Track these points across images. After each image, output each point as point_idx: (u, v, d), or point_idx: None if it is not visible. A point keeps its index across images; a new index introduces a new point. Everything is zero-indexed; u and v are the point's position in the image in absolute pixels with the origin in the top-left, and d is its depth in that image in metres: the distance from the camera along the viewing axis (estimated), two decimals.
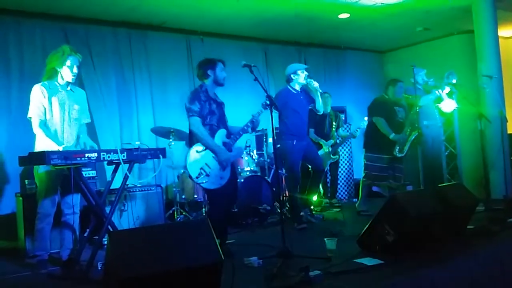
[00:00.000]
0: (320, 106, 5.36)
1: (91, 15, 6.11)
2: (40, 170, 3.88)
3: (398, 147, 5.63)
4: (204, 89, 4.20)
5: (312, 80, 5.22)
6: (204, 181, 3.99)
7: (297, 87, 5.30)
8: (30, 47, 5.69)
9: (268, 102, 4.08)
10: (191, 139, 4.16)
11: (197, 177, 3.97)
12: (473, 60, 6.74)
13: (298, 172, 5.27)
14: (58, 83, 3.95)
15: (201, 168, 3.99)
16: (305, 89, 5.37)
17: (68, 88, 4.01)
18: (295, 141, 5.18)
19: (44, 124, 3.85)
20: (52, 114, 3.89)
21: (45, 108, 3.86)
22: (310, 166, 5.42)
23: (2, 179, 5.34)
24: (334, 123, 6.59)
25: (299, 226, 5.06)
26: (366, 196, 5.91)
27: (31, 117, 3.86)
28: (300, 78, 5.23)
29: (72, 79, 3.95)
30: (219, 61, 4.24)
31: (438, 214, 3.73)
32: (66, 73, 3.92)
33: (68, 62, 3.88)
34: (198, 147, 4.05)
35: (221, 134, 4.16)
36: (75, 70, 3.93)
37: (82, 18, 6.09)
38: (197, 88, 4.24)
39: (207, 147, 4.05)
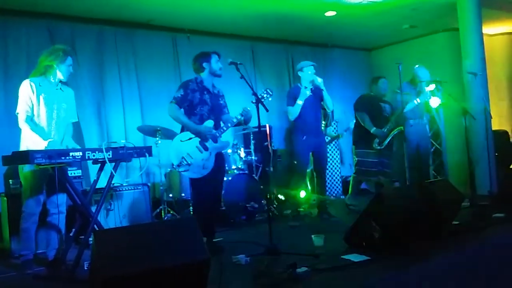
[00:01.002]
0: (328, 102, 5.45)
1: (77, 14, 6.05)
2: (25, 169, 3.83)
3: (377, 140, 5.71)
4: (199, 80, 4.27)
5: (317, 77, 5.33)
6: (185, 170, 4.07)
7: (307, 84, 5.41)
8: (15, 46, 5.62)
9: (264, 96, 4.23)
10: (182, 129, 4.26)
11: (178, 165, 4.08)
12: (458, 57, 6.79)
13: (305, 167, 5.47)
14: (50, 80, 3.92)
15: (183, 157, 4.07)
16: (317, 86, 5.47)
17: (58, 87, 3.98)
18: (304, 136, 5.33)
19: (30, 120, 3.79)
20: (40, 111, 3.84)
21: (33, 104, 3.81)
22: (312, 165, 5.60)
23: None
24: (323, 122, 6.60)
25: (291, 223, 5.11)
26: (355, 192, 5.96)
27: (18, 113, 3.80)
28: (307, 75, 5.37)
29: (65, 78, 3.96)
30: (213, 53, 4.29)
31: (424, 210, 3.76)
32: (64, 72, 3.92)
33: (68, 61, 3.93)
34: (182, 136, 4.14)
35: (208, 125, 4.20)
36: (71, 69, 3.97)
37: (67, 16, 6.03)
38: (191, 78, 4.31)
39: (188, 129, 4.13)
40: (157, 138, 5.53)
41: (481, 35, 6.60)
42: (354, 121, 6.07)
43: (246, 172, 6.07)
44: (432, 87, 5.89)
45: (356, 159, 5.90)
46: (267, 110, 4.12)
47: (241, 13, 6.61)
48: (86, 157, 3.54)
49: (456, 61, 6.97)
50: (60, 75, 3.92)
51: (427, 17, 7.32)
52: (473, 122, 6.22)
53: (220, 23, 7.03)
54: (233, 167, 5.95)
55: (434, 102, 5.98)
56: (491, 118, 6.42)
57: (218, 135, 4.21)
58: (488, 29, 8.30)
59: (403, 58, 6.03)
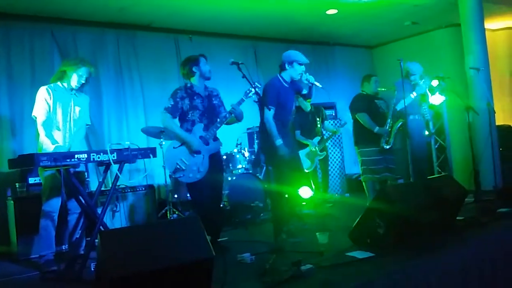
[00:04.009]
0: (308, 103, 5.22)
1: (79, 17, 6.08)
2: (45, 172, 3.93)
3: (384, 140, 5.69)
4: (189, 85, 4.28)
5: (308, 74, 4.50)
6: (180, 176, 4.10)
7: (287, 79, 4.49)
8: (18, 50, 5.67)
9: (251, 90, 4.14)
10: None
11: (174, 172, 4.10)
12: (461, 53, 6.78)
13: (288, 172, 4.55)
14: (64, 86, 4.06)
15: (177, 163, 4.08)
16: (294, 81, 4.55)
17: (72, 92, 4.10)
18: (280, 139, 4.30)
19: (46, 124, 3.92)
20: (56, 114, 3.98)
21: (49, 109, 3.95)
22: None
23: None
24: (318, 119, 6.58)
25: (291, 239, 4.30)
26: (372, 193, 5.86)
27: (35, 116, 3.94)
28: (295, 71, 4.45)
29: (76, 86, 4.07)
30: (201, 56, 4.30)
31: (427, 206, 3.77)
32: (74, 80, 4.03)
33: (81, 71, 4.03)
34: (174, 143, 4.16)
35: (197, 128, 4.21)
36: (82, 80, 4.06)
37: (70, 19, 6.06)
38: (180, 86, 4.34)
39: (179, 139, 4.15)
40: (161, 139, 5.55)
41: (483, 30, 6.59)
42: (352, 121, 6.07)
43: (251, 171, 6.09)
44: (435, 83, 5.89)
45: (361, 159, 5.82)
46: (269, 109, 4.13)
47: (243, 13, 6.63)
48: (91, 159, 3.58)
49: (459, 57, 6.95)
50: (72, 82, 4.04)
51: (429, 13, 7.31)
52: (476, 118, 6.22)
53: (222, 24, 7.05)
54: (239, 166, 5.98)
55: (437, 98, 5.97)
56: (495, 113, 6.40)
57: (208, 137, 4.20)
58: (490, 24, 8.28)
59: (405, 55, 6.01)
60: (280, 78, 4.48)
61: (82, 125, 4.19)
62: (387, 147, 5.67)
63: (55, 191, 3.92)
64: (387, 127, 5.66)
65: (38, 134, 3.97)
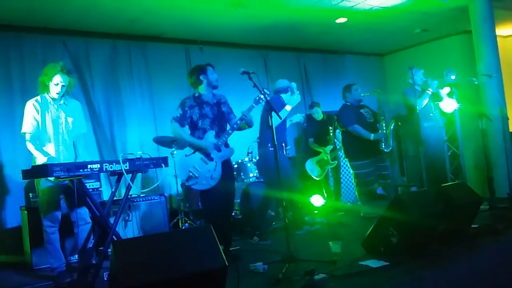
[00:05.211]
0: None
1: (91, 28, 6.16)
2: (41, 185, 3.90)
3: (383, 144, 5.71)
4: (197, 95, 4.32)
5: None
6: (193, 183, 4.12)
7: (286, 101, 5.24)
8: (31, 62, 5.73)
9: (260, 97, 4.18)
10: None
11: (186, 180, 4.13)
12: (472, 60, 6.74)
13: (294, 178, 5.21)
14: (49, 96, 3.97)
15: (190, 171, 4.11)
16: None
17: (61, 102, 4.02)
18: (271, 148, 4.94)
19: (34, 139, 3.87)
20: (46, 129, 3.92)
21: (38, 124, 3.89)
22: None
23: (7, 192, 5.36)
24: (330, 127, 6.58)
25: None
26: (365, 201, 5.93)
27: (24, 133, 3.89)
28: (290, 94, 5.26)
29: (58, 96, 3.95)
30: (208, 65, 4.35)
31: (442, 214, 3.73)
32: (52, 89, 3.92)
33: (55, 80, 3.89)
34: (186, 151, 4.20)
35: (209, 135, 4.24)
36: (58, 89, 3.92)
37: (82, 31, 6.14)
38: (188, 96, 4.38)
39: (190, 146, 4.19)
40: (173, 149, 5.57)
41: (494, 36, 6.55)
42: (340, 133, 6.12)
43: (262, 180, 6.07)
44: (447, 90, 5.87)
45: (353, 172, 5.90)
46: (280, 118, 4.14)
47: (253, 23, 6.66)
48: (104, 169, 3.59)
49: (471, 64, 6.92)
50: (51, 92, 3.94)
51: (439, 20, 7.29)
52: (489, 125, 6.17)
53: (232, 34, 7.09)
54: (250, 175, 5.97)
55: (450, 105, 5.94)
56: (508, 120, 6.35)
57: (220, 143, 4.22)
58: (502, 30, 8.23)
59: (416, 62, 6.01)
60: (281, 98, 5.21)
61: (78, 134, 4.11)
62: (388, 150, 5.71)
63: (53, 205, 3.92)
64: (384, 131, 5.70)
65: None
